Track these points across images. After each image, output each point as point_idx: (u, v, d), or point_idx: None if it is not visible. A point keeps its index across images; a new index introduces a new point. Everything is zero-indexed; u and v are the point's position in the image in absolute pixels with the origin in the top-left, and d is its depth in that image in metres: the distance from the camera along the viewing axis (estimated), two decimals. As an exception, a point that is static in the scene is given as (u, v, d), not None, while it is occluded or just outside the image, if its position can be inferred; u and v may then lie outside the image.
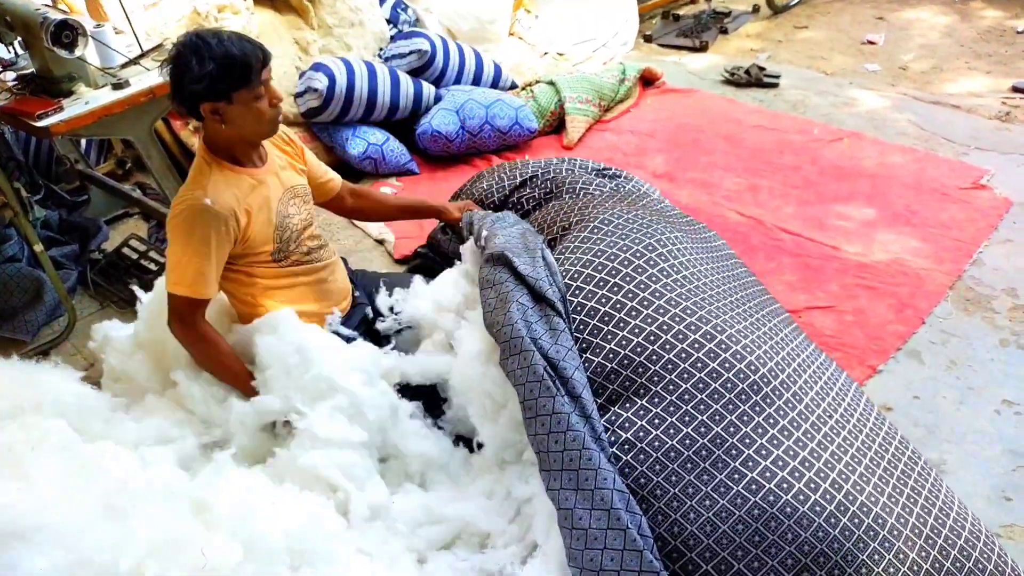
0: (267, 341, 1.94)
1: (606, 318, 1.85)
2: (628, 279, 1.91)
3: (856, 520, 1.57)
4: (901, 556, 1.57)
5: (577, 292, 1.92)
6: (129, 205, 3.47)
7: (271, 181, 2.04)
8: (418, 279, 2.33)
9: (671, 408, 1.69)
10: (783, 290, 2.81)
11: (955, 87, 4.40)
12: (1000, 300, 2.80)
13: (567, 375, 1.72)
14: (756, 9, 5.57)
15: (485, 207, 2.57)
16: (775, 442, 1.65)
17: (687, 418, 1.67)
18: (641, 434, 1.67)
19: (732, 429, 1.66)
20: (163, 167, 2.76)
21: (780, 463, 1.62)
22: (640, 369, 1.75)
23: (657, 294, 1.88)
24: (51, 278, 2.73)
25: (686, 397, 1.70)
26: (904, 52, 4.87)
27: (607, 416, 1.73)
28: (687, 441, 1.64)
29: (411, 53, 3.88)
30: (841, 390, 1.92)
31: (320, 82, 3.49)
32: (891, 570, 1.55)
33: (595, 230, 2.11)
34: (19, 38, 2.49)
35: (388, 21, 4.18)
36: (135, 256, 3.08)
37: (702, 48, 5.05)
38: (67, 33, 2.33)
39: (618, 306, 1.86)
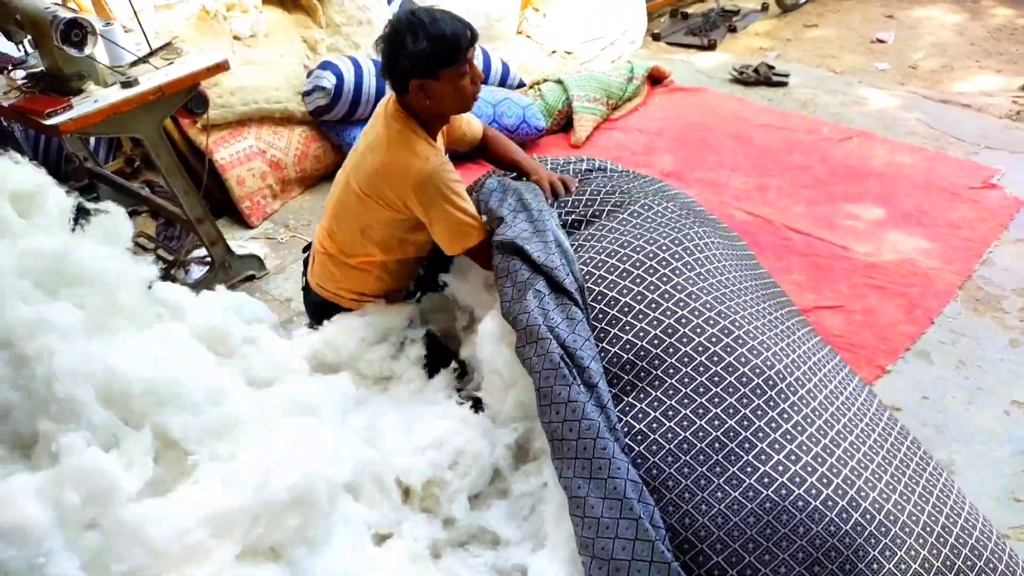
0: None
1: (625, 309, 1.85)
2: (651, 271, 1.91)
3: (868, 516, 1.57)
4: (913, 553, 1.57)
5: (599, 281, 1.92)
6: (138, 203, 3.48)
7: (437, 154, 2.11)
8: None
9: (685, 400, 1.70)
10: (792, 289, 2.80)
11: (965, 86, 4.38)
12: (1010, 300, 2.79)
13: (584, 364, 1.72)
14: (765, 7, 5.55)
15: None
16: (788, 437, 1.65)
17: (701, 411, 1.68)
18: (654, 425, 1.68)
19: (746, 423, 1.66)
20: (172, 165, 2.77)
21: (793, 457, 1.62)
22: (656, 361, 1.76)
23: (679, 287, 1.89)
24: (60, 276, 2.74)
25: (701, 390, 1.70)
26: (914, 51, 4.85)
27: (620, 406, 1.73)
28: (700, 433, 1.65)
29: (419, 51, 3.87)
30: (853, 392, 1.91)
31: (328, 80, 3.50)
32: (902, 567, 1.54)
33: (625, 222, 2.10)
34: (29, 36, 2.50)
35: (396, 19, 4.18)
36: (144, 253, 3.10)
37: (710, 46, 5.04)
38: (76, 32, 2.34)
39: (639, 297, 1.86)
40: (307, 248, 2.53)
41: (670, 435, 1.66)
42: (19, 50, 2.64)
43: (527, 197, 2.12)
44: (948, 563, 1.60)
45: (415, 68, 1.92)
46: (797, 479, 1.58)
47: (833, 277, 2.92)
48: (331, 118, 3.62)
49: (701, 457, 1.62)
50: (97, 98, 2.45)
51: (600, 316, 1.86)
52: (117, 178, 3.42)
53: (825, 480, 1.59)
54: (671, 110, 4.24)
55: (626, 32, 4.94)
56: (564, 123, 4.05)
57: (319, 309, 2.38)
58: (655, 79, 4.48)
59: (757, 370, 1.73)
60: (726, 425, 1.65)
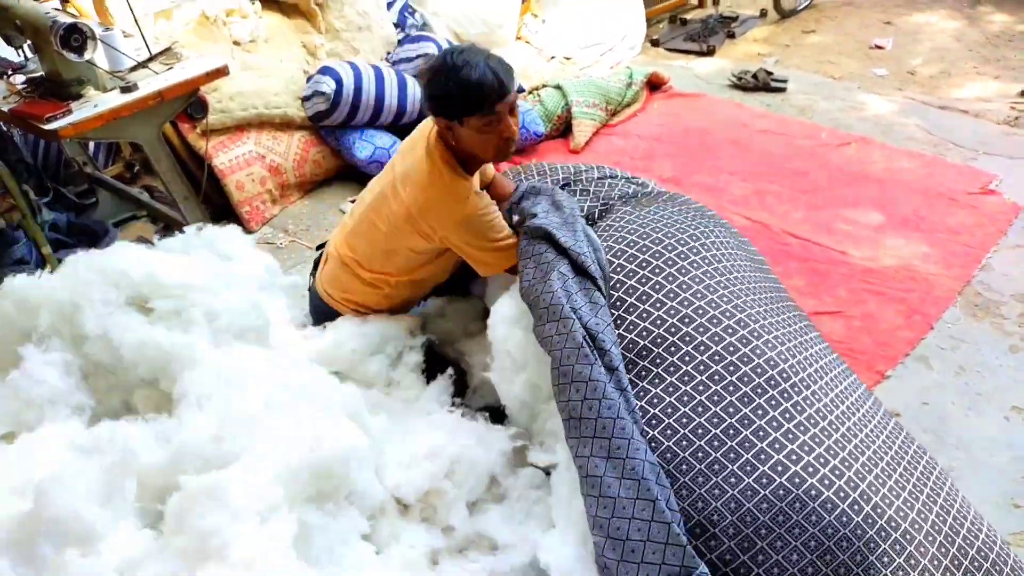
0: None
1: (643, 297, 1.87)
2: (670, 263, 1.94)
3: (878, 510, 1.58)
4: (922, 550, 1.58)
5: (619, 269, 1.95)
6: (137, 208, 3.49)
7: (476, 193, 2.11)
8: None
9: (700, 387, 1.71)
10: (791, 295, 2.80)
11: (963, 92, 4.39)
12: (1009, 306, 2.79)
13: (605, 348, 1.74)
14: (763, 13, 5.56)
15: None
16: (801, 428, 1.67)
17: (716, 398, 1.69)
18: (669, 410, 1.69)
19: (760, 412, 1.67)
20: (171, 170, 2.77)
21: (806, 448, 1.63)
22: (672, 348, 1.78)
23: (697, 279, 1.91)
24: (59, 280, 2.73)
25: (716, 378, 1.72)
26: (912, 57, 4.86)
27: (636, 391, 1.75)
28: (715, 420, 1.66)
29: (418, 57, 3.88)
30: (860, 398, 1.92)
31: (327, 86, 3.50)
32: (911, 562, 1.55)
33: (646, 214, 2.14)
34: (29, 41, 2.50)
35: (396, 25, 4.19)
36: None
37: (709, 52, 5.05)
38: (76, 37, 2.35)
39: (656, 287, 1.88)
40: (320, 246, 2.52)
41: (685, 420, 1.67)
42: (19, 55, 2.64)
43: (560, 198, 2.15)
44: (956, 562, 1.61)
45: (439, 109, 1.95)
46: (810, 468, 1.59)
47: (832, 282, 2.92)
48: (330, 123, 3.62)
49: (715, 443, 1.63)
50: (97, 103, 2.46)
51: (619, 303, 1.89)
52: (116, 183, 3.42)
53: (837, 472, 1.61)
54: (670, 116, 4.24)
55: (625, 38, 4.95)
56: (563, 128, 4.05)
57: (322, 313, 2.38)
58: (654, 85, 4.49)
59: (771, 362, 1.76)
60: (740, 413, 1.67)
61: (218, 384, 1.80)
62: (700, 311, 1.83)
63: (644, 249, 1.98)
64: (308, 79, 3.65)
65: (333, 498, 1.69)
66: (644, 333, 1.81)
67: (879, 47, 5.00)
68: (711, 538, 1.56)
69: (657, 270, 1.93)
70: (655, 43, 5.22)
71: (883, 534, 1.55)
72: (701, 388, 1.71)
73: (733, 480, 1.59)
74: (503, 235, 2.09)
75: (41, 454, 1.71)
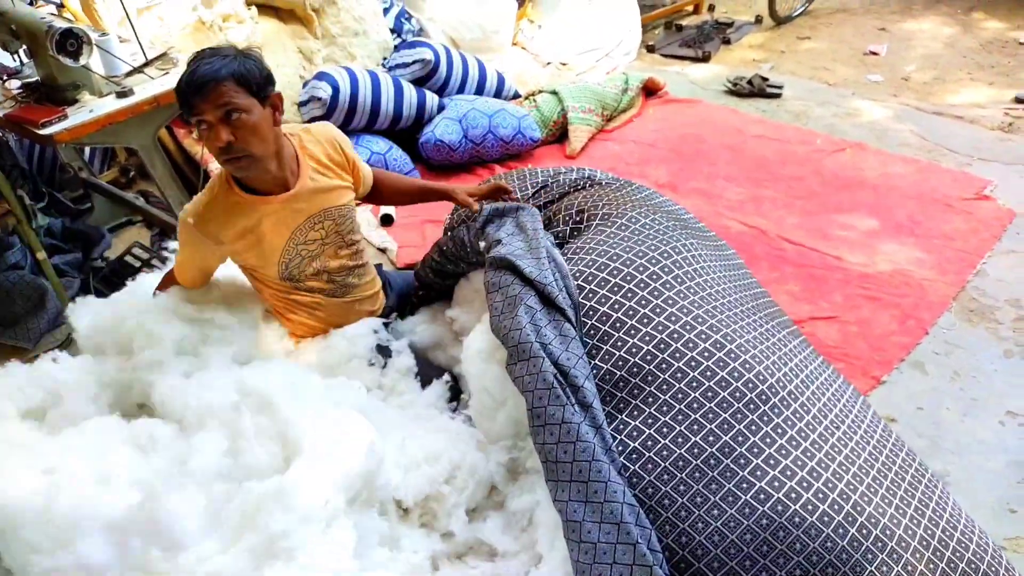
0: None
1: (617, 324, 1.82)
2: (642, 285, 1.88)
3: (864, 531, 1.56)
4: (909, 568, 1.56)
5: (590, 296, 1.88)
6: (132, 213, 3.48)
7: (290, 209, 2.01)
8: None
9: (679, 417, 1.68)
10: (786, 300, 2.81)
11: (957, 98, 4.41)
12: (1004, 311, 2.80)
13: (578, 384, 1.69)
14: (759, 20, 5.59)
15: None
16: (783, 452, 1.64)
17: (695, 427, 1.66)
18: (649, 443, 1.65)
19: (740, 438, 1.65)
20: (166, 175, 2.77)
21: (788, 473, 1.61)
22: (649, 377, 1.73)
23: (670, 301, 1.86)
24: (54, 286, 2.73)
25: (695, 406, 1.68)
26: (906, 63, 4.88)
27: (614, 425, 1.71)
28: (695, 450, 1.63)
29: (415, 62, 3.89)
30: (847, 403, 1.91)
31: (324, 91, 3.50)
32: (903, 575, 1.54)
33: (612, 235, 2.06)
34: (24, 46, 2.50)
35: (392, 31, 4.19)
36: (138, 264, 3.08)
37: (705, 58, 5.06)
38: (72, 42, 2.34)
39: (629, 312, 1.83)
40: None
41: (665, 453, 1.64)
42: (14, 60, 2.64)
43: (524, 220, 2.09)
44: (949, 568, 1.61)
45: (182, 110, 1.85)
46: (793, 495, 1.58)
47: (827, 288, 2.92)
48: (326, 128, 3.62)
49: (697, 474, 1.61)
50: (92, 108, 2.45)
51: (592, 332, 1.83)
52: (112, 188, 3.41)
53: (821, 495, 1.59)
54: (665, 121, 4.25)
55: (621, 44, 4.96)
56: (559, 134, 4.06)
57: None
58: (650, 90, 4.50)
59: (750, 384, 1.72)
60: (721, 441, 1.64)
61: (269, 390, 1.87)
62: (675, 335, 1.78)
63: (615, 272, 1.91)
64: (304, 84, 3.65)
65: (370, 501, 1.75)
66: (620, 363, 1.76)
67: (874, 53, 5.03)
68: (696, 572, 1.54)
69: (629, 294, 1.86)
70: (651, 49, 5.24)
71: (869, 556, 1.53)
72: (680, 418, 1.67)
73: (716, 512, 1.57)
74: (180, 255, 2.09)
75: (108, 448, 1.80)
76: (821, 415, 1.78)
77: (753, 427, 1.66)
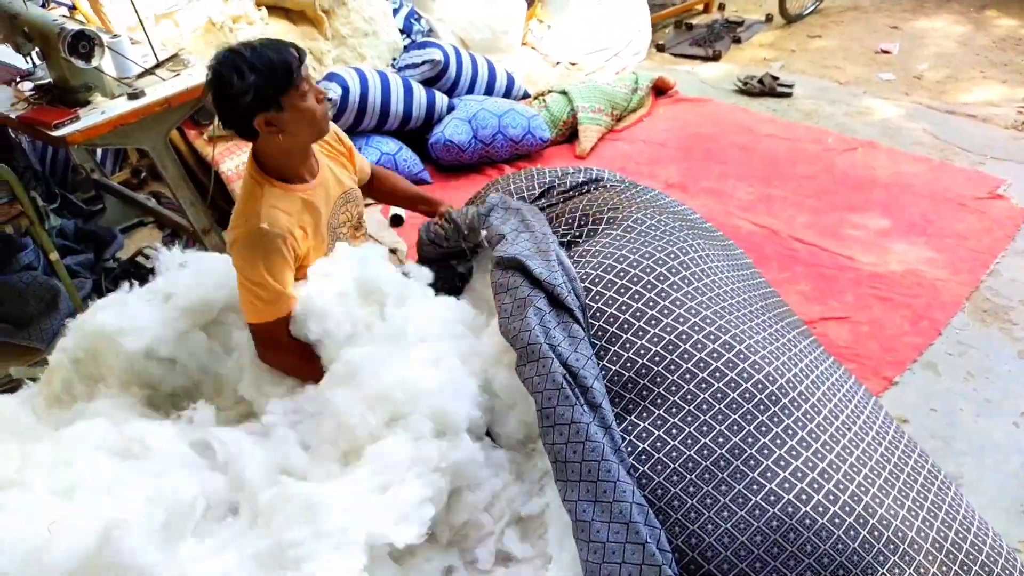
0: None
1: (625, 326, 1.81)
2: (649, 287, 1.87)
3: (876, 533, 1.55)
4: (922, 570, 1.55)
5: (597, 297, 1.88)
6: (144, 214, 3.50)
7: (321, 195, 2.01)
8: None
9: (689, 418, 1.67)
10: (797, 300, 2.79)
11: (970, 96, 4.37)
12: (1018, 311, 2.77)
13: (587, 384, 1.69)
14: (769, 18, 5.56)
15: None
16: (793, 453, 1.63)
17: (705, 428, 1.65)
18: (659, 444, 1.65)
19: (751, 440, 1.64)
20: (177, 176, 2.78)
21: (799, 474, 1.60)
22: (658, 379, 1.73)
23: (678, 303, 1.85)
24: (66, 286, 2.75)
25: (704, 407, 1.68)
26: (918, 61, 4.85)
27: (623, 426, 1.70)
28: (705, 452, 1.63)
29: (424, 63, 3.89)
30: (859, 404, 1.90)
31: (334, 92, 3.51)
32: None
33: (619, 237, 2.06)
34: (37, 48, 2.51)
35: (401, 31, 4.20)
36: (149, 265, 3.10)
37: (715, 57, 5.05)
38: (84, 44, 2.35)
39: (638, 314, 1.82)
40: None
41: (674, 454, 1.63)
42: (27, 62, 2.65)
43: (530, 219, 2.08)
44: (962, 571, 1.59)
45: (256, 103, 1.76)
46: (803, 496, 1.57)
47: (839, 288, 2.91)
48: (336, 129, 3.63)
49: (706, 476, 1.60)
50: (104, 109, 2.46)
51: (600, 333, 1.83)
52: (123, 189, 3.43)
53: (832, 497, 1.58)
54: (676, 121, 4.24)
55: (630, 43, 4.95)
56: (569, 134, 4.05)
57: None
58: (660, 90, 4.49)
59: (760, 385, 1.71)
60: (731, 443, 1.63)
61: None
62: (684, 336, 1.77)
63: (622, 274, 1.91)
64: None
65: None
66: (628, 364, 1.76)
67: (885, 52, 5.00)
68: (706, 575, 1.54)
69: (637, 295, 1.86)
70: (660, 48, 5.23)
71: (881, 558, 1.52)
72: (689, 419, 1.67)
73: (726, 514, 1.56)
74: (268, 280, 1.85)
75: (82, 457, 1.74)
76: (832, 416, 1.77)
77: (763, 428, 1.65)
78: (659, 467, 1.63)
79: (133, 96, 2.51)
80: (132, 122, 2.49)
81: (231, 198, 3.42)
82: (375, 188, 2.39)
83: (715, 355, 1.75)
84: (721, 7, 5.78)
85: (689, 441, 1.64)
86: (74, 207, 3.31)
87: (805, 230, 3.24)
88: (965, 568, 1.61)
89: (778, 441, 1.65)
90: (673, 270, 1.93)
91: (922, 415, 2.39)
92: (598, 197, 2.29)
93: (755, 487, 1.58)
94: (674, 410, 1.69)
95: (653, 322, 1.81)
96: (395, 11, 4.22)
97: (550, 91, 4.17)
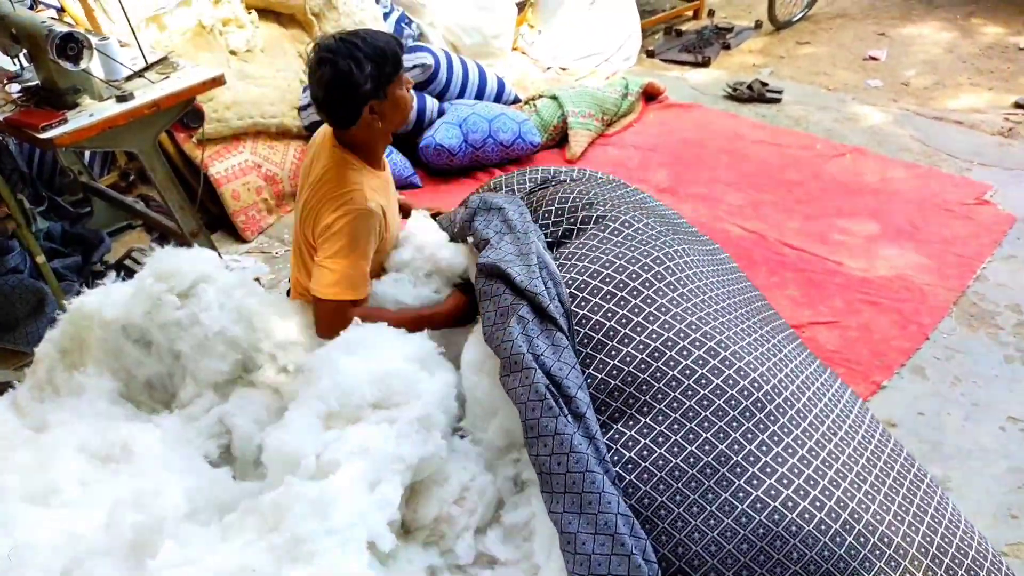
0: None
1: (610, 332, 1.81)
2: (635, 293, 1.87)
3: (862, 539, 1.56)
4: (912, 568, 1.56)
5: (583, 304, 1.88)
6: (132, 217, 3.48)
7: (391, 181, 2.11)
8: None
9: (675, 426, 1.67)
10: (786, 305, 2.80)
11: (957, 103, 4.41)
12: (1004, 316, 2.79)
13: (571, 394, 1.68)
14: (758, 25, 5.59)
15: None
16: (780, 460, 1.64)
17: (691, 436, 1.65)
18: (645, 453, 1.65)
19: (736, 447, 1.64)
20: (166, 179, 2.76)
21: (785, 481, 1.61)
22: (644, 386, 1.73)
23: (663, 309, 1.85)
24: (53, 290, 2.73)
25: (690, 415, 1.68)
26: (906, 68, 4.88)
27: (609, 434, 1.70)
28: (691, 460, 1.63)
29: (415, 67, 3.89)
30: (845, 407, 1.90)
31: (324, 95, 3.50)
32: None
33: (605, 240, 2.05)
34: (24, 50, 2.49)
35: (392, 35, 4.19)
36: (137, 268, 3.08)
37: (704, 63, 5.07)
38: (72, 46, 2.34)
39: (623, 320, 1.82)
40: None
41: (660, 462, 1.63)
42: (15, 64, 2.63)
43: (512, 217, 2.07)
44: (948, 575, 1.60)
45: (370, 94, 1.85)
46: (789, 503, 1.57)
47: (827, 292, 2.92)
48: (326, 133, 3.62)
49: (693, 484, 1.60)
50: (92, 112, 2.45)
51: (585, 341, 1.82)
52: (112, 192, 3.41)
53: (818, 503, 1.58)
54: (665, 126, 4.25)
55: (621, 49, 4.97)
56: (559, 138, 4.06)
57: None
58: (650, 95, 4.50)
59: (745, 392, 1.71)
60: (717, 450, 1.63)
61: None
62: (669, 343, 1.77)
63: (607, 280, 1.90)
64: (304, 89, 3.65)
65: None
66: (614, 372, 1.75)
67: (873, 58, 5.03)
68: None
69: (622, 302, 1.85)
70: (650, 54, 5.24)
71: (867, 564, 1.53)
72: (675, 427, 1.67)
73: (712, 522, 1.57)
74: (353, 261, 1.92)
75: (61, 462, 1.75)
76: (818, 421, 1.78)
77: (749, 435, 1.66)
78: (645, 476, 1.63)
79: (122, 99, 2.49)
80: (121, 125, 2.47)
81: (220, 201, 3.41)
82: None
83: (700, 362, 1.75)
84: (711, 13, 5.80)
85: (675, 449, 1.64)
86: (62, 210, 3.29)
87: (794, 235, 3.26)
88: (951, 572, 1.62)
89: (764, 448, 1.65)
90: (658, 276, 1.92)
91: (910, 419, 2.40)
92: (586, 190, 2.28)
93: (741, 495, 1.58)
94: (660, 418, 1.69)
95: (639, 329, 1.80)
96: (385, 15, 4.22)
97: (540, 96, 4.18)
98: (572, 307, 1.88)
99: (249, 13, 3.62)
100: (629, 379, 1.74)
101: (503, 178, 2.51)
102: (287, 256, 3.32)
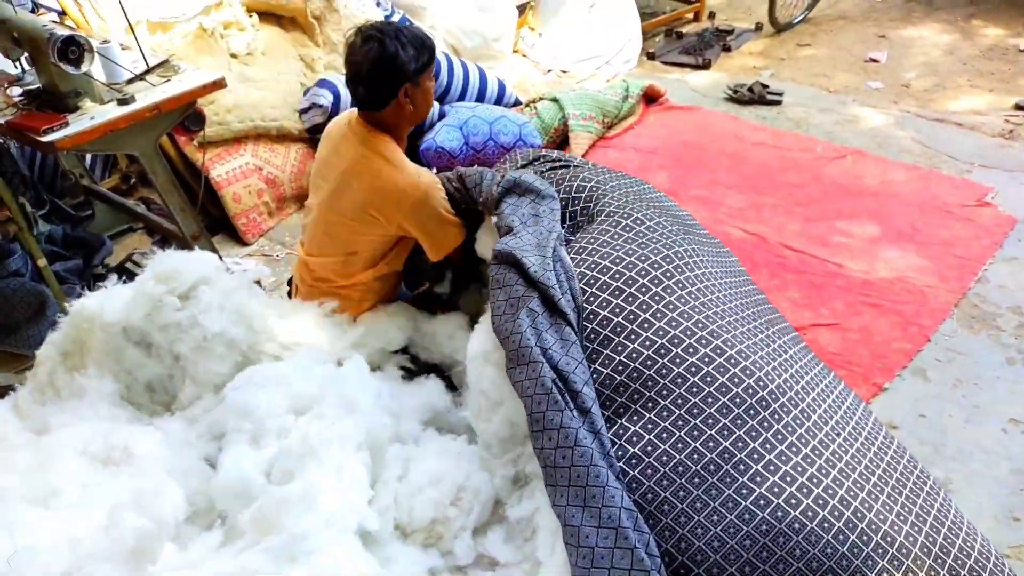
0: None
1: (618, 328, 1.81)
2: (644, 290, 1.87)
3: (865, 537, 1.56)
4: (910, 574, 1.56)
5: (592, 299, 1.88)
6: (133, 220, 3.48)
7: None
8: None
9: (679, 422, 1.67)
10: (787, 307, 2.80)
11: (958, 105, 4.41)
12: (1006, 318, 2.79)
13: (577, 389, 1.69)
14: (759, 27, 5.59)
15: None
16: (783, 458, 1.64)
17: (695, 432, 1.66)
18: (649, 448, 1.65)
19: (740, 444, 1.64)
20: (167, 182, 2.77)
21: (788, 479, 1.61)
22: (650, 382, 1.73)
23: (671, 306, 1.85)
24: (54, 292, 2.73)
25: (695, 411, 1.68)
26: (906, 70, 4.88)
27: (614, 429, 1.70)
28: (695, 456, 1.63)
29: (415, 70, 3.89)
30: (848, 410, 1.90)
31: (325, 98, 3.51)
32: None
33: (616, 236, 2.05)
34: (26, 54, 2.50)
35: (393, 38, 4.20)
36: (138, 271, 3.08)
37: (705, 66, 5.07)
38: (73, 49, 2.34)
39: (631, 317, 1.83)
40: (291, 282, 2.53)
41: (665, 458, 1.64)
42: (16, 67, 2.64)
43: (542, 209, 2.09)
44: None
45: (410, 75, 2.00)
46: (793, 500, 1.57)
47: (828, 295, 2.92)
48: (327, 136, 3.62)
49: (696, 480, 1.61)
50: (93, 115, 2.45)
51: (592, 336, 1.83)
52: (113, 195, 3.41)
53: (821, 501, 1.58)
54: (666, 128, 4.25)
55: (621, 51, 4.97)
56: (560, 141, 4.06)
57: None
58: (650, 98, 4.50)
59: (750, 390, 1.72)
60: (721, 447, 1.64)
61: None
62: (676, 340, 1.78)
63: (617, 276, 1.91)
64: (305, 92, 3.66)
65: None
66: (620, 367, 1.76)
67: (874, 60, 5.03)
68: None
69: (631, 298, 1.86)
70: (651, 56, 5.25)
71: (869, 562, 1.53)
72: (680, 423, 1.67)
73: (716, 518, 1.57)
74: (451, 216, 2.15)
75: (62, 464, 1.77)
76: (821, 422, 1.78)
77: (753, 433, 1.66)
78: (649, 471, 1.63)
79: (123, 102, 2.50)
80: (122, 128, 2.48)
81: (221, 204, 3.41)
82: None
83: (707, 359, 1.75)
84: (711, 16, 5.81)
85: (680, 445, 1.64)
86: (63, 213, 3.29)
87: (795, 237, 3.26)
88: (953, 573, 1.62)
89: (768, 445, 1.65)
90: (668, 274, 1.93)
91: (911, 421, 2.40)
92: (605, 179, 2.29)
93: (745, 491, 1.59)
94: (665, 414, 1.69)
95: (646, 325, 1.81)
96: (386, 18, 4.22)
97: (541, 98, 4.18)
98: (582, 302, 1.88)
99: (250, 16, 3.63)
100: (635, 375, 1.75)
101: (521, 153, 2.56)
102: (288, 259, 3.32)
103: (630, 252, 1.98)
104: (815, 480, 1.62)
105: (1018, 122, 4.14)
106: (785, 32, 5.56)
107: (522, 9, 4.92)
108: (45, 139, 2.35)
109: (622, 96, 4.27)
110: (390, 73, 1.98)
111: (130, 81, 2.62)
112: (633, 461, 1.65)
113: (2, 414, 2.03)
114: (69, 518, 1.63)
